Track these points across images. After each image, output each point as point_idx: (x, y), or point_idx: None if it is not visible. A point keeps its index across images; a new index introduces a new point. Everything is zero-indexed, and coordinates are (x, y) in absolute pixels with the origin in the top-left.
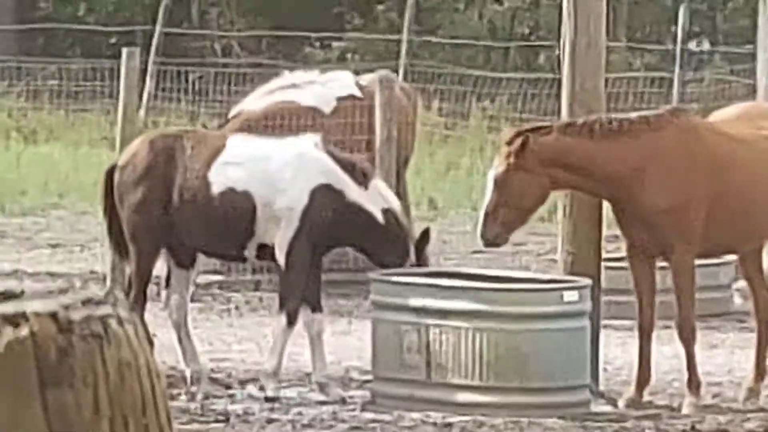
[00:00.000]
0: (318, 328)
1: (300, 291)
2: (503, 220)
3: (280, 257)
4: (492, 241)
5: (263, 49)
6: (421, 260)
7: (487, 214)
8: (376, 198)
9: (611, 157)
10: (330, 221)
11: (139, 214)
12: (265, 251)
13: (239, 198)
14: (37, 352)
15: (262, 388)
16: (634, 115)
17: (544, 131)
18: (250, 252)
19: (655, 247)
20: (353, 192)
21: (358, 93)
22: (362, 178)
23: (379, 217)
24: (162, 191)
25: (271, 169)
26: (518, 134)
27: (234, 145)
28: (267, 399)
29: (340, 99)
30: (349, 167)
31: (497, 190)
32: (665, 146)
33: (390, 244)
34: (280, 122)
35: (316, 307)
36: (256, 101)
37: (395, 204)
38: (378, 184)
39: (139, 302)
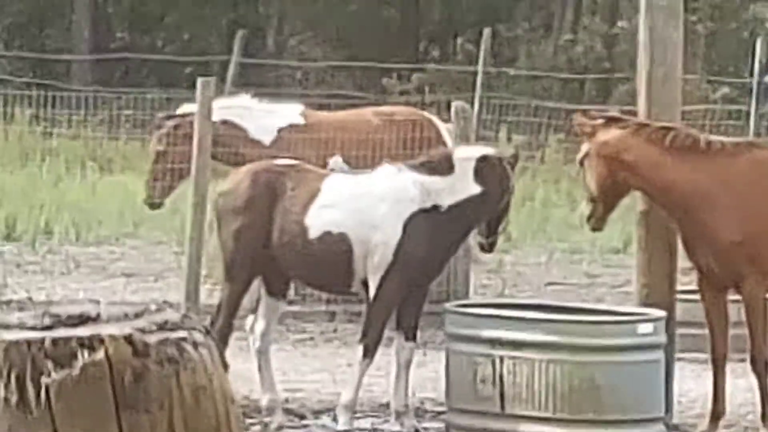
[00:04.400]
0: (407, 357)
1: (382, 326)
2: (588, 202)
3: (372, 289)
4: (587, 221)
5: (341, 79)
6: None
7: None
8: (465, 170)
9: (677, 169)
10: (431, 241)
11: (236, 244)
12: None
13: (336, 240)
14: (112, 375)
15: (335, 419)
16: (714, 137)
17: (622, 124)
18: (356, 288)
19: (726, 279)
20: (446, 195)
21: (299, 122)
22: (447, 165)
23: (475, 190)
24: (261, 225)
25: (363, 207)
26: (599, 119)
27: (329, 187)
28: None
29: (280, 130)
30: (431, 168)
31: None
32: (740, 177)
33: (494, 186)
34: (222, 149)
35: (409, 336)
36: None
37: (479, 152)
38: (459, 153)
39: (225, 330)
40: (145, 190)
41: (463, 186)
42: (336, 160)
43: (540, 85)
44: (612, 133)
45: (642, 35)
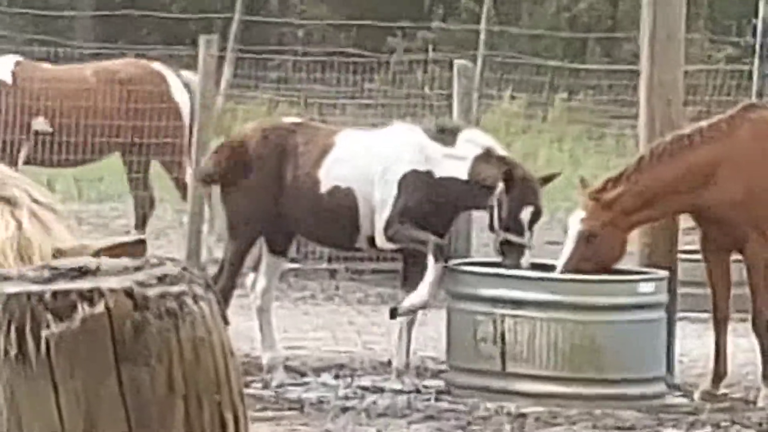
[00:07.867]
0: (410, 316)
1: (420, 234)
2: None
3: (383, 243)
4: None
5: (344, 37)
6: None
7: (567, 271)
8: (465, 152)
9: (689, 167)
10: (424, 202)
11: (244, 201)
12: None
13: (343, 194)
14: (112, 328)
15: (337, 376)
16: (704, 123)
17: (611, 185)
18: (361, 245)
19: (728, 240)
20: (437, 165)
21: (8, 79)
22: (450, 137)
23: (461, 175)
24: (271, 183)
25: (367, 163)
26: (602, 190)
27: (342, 142)
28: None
29: None
30: (438, 135)
31: (585, 245)
32: (739, 141)
33: (481, 181)
34: None
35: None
36: None
37: (487, 143)
38: (467, 134)
39: (228, 289)
40: None
41: (453, 165)
42: (39, 122)
43: (542, 44)
44: (621, 189)
45: None
